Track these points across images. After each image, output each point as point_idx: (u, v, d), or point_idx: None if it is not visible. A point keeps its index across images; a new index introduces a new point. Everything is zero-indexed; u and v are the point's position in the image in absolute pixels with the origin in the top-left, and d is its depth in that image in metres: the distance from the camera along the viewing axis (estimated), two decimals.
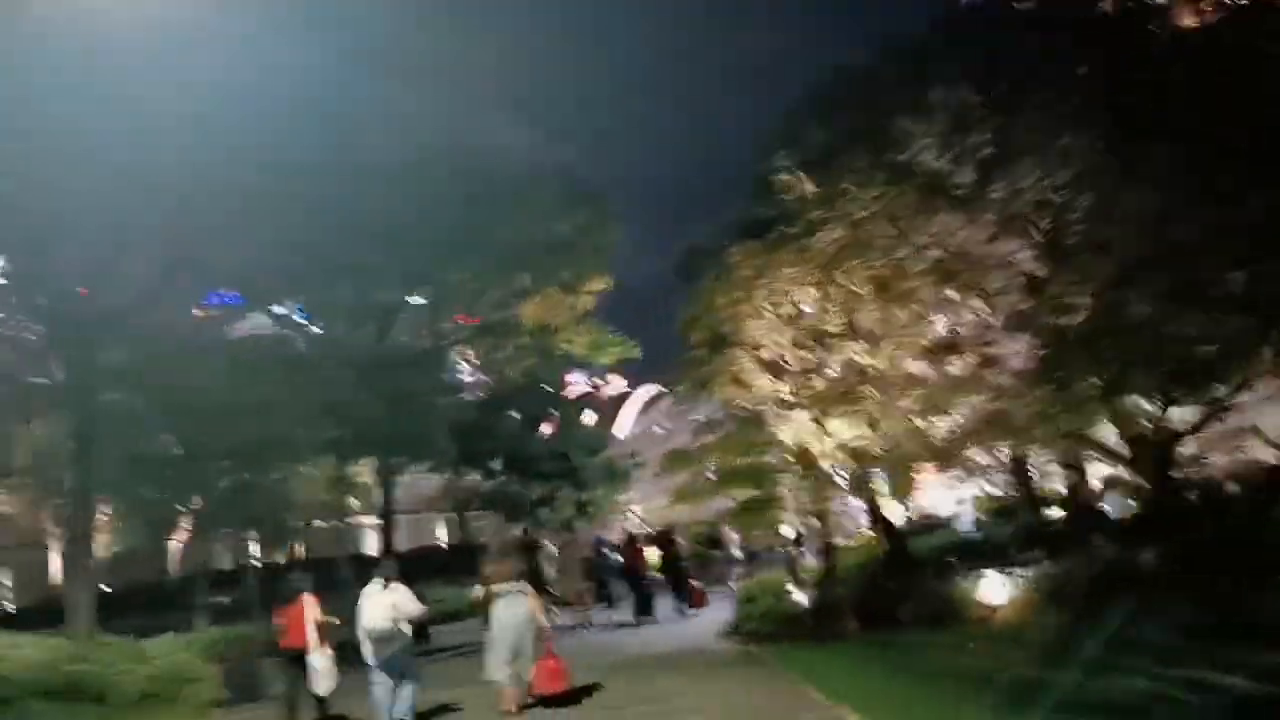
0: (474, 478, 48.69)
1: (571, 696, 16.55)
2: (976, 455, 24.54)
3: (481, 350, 52.28)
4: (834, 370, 23.77)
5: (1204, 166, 22.57)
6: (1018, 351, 23.12)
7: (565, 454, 46.84)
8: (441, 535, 63.12)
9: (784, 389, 23.98)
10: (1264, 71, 25.37)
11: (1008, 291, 23.14)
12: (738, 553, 37.86)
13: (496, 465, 46.85)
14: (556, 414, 50.55)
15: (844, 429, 24.01)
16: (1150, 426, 25.57)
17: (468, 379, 54.48)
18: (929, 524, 31.49)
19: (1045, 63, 22.61)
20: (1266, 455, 32.66)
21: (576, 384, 72.04)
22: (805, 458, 24.84)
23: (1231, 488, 30.43)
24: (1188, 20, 27.50)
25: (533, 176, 40.89)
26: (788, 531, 29.11)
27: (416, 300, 45.98)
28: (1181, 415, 26.01)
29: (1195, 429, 26.56)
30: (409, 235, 34.59)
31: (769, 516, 26.11)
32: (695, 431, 27.15)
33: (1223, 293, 22.11)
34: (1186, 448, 27.55)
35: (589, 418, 65.19)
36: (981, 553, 23.29)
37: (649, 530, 42.78)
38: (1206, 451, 29.26)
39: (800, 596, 24.14)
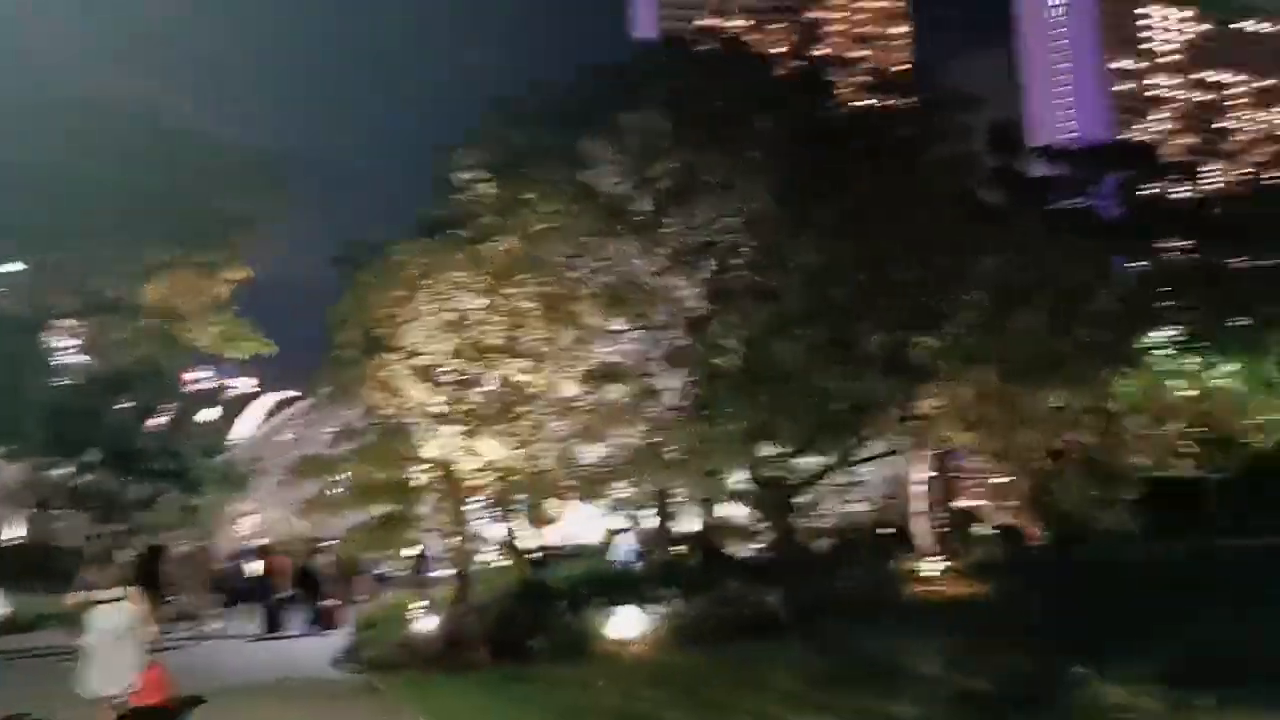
0: (65, 470, 42.59)
1: (169, 712, 14.36)
2: (624, 488, 24.40)
3: (92, 329, 46.11)
4: (492, 386, 22.66)
5: (866, 231, 24.12)
6: (675, 387, 23.33)
7: (177, 452, 42.14)
8: (15, 533, 55.03)
9: (437, 401, 22.50)
10: (920, 156, 27.79)
11: (672, 326, 23.35)
12: (373, 570, 35.62)
13: (93, 457, 41.22)
14: (172, 407, 45.56)
15: (495, 449, 22.92)
16: (781, 474, 26.80)
17: (70, 360, 47.90)
18: (576, 552, 31.04)
19: (729, 110, 23.26)
20: (870, 507, 35.70)
21: (201, 378, 65.97)
22: (450, 476, 23.44)
23: (835, 539, 32.80)
24: (857, 93, 29.67)
25: (178, 131, 36.49)
26: (420, 552, 27.55)
27: (12, 266, 39.64)
28: (809, 464, 27.48)
29: (817, 478, 28.23)
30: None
31: (405, 535, 24.41)
32: (334, 439, 24.91)
33: (866, 352, 23.59)
34: (810, 496, 29.25)
35: (210, 415, 59.76)
36: (622, 586, 22.95)
37: (274, 541, 39.30)
38: (823, 501, 31.33)
39: (429, 622, 22.60)
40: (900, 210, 24.05)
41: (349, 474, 23.97)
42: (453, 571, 24.74)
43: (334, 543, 29.12)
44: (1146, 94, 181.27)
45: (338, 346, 23.11)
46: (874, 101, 29.67)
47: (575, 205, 21.92)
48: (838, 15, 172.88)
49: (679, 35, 28.98)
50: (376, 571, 36.10)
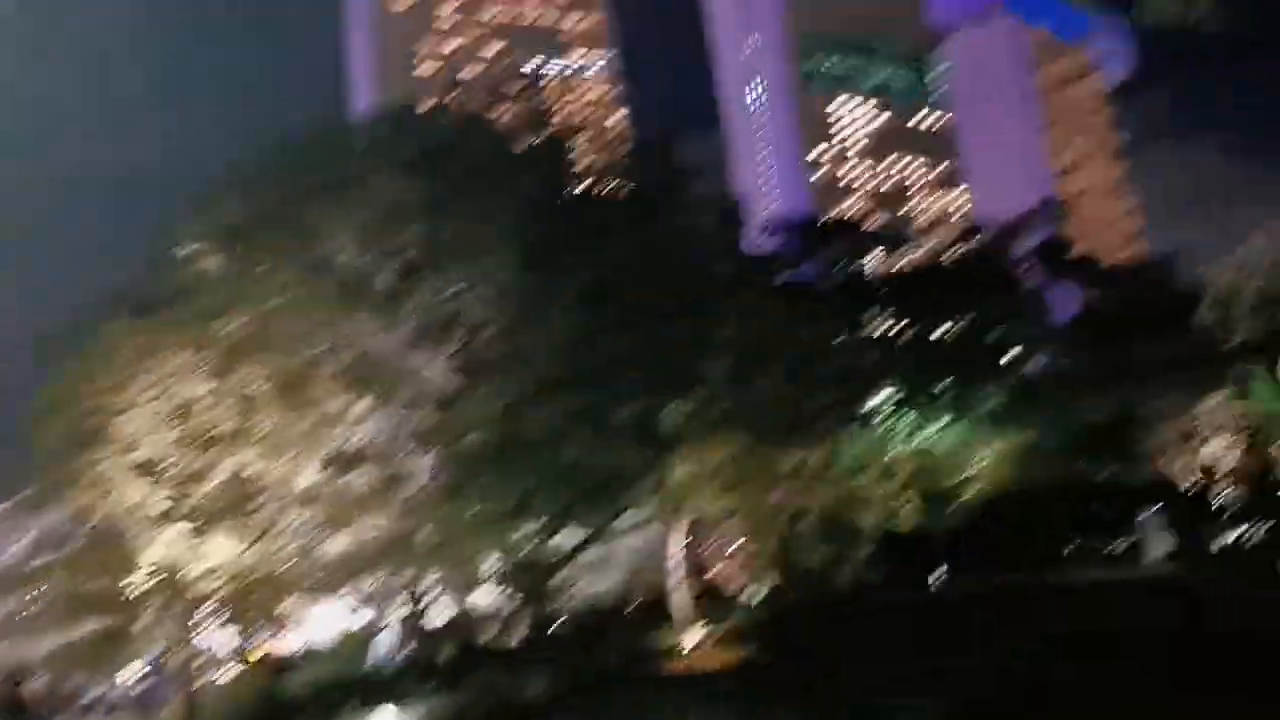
0: None
1: None
2: (373, 580, 22.90)
3: None
4: (222, 479, 20.74)
5: (612, 301, 24.11)
6: (425, 469, 22.22)
7: None
8: None
9: (159, 499, 20.34)
10: (653, 230, 28.34)
11: (420, 404, 22.28)
12: (88, 695, 31.35)
13: None
14: None
15: (226, 549, 20.94)
16: (537, 554, 26.07)
17: None
18: (323, 655, 28.63)
19: (473, 178, 22.77)
20: (627, 580, 35.44)
21: None
22: (175, 583, 21.18)
23: (593, 617, 32.27)
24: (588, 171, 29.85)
25: None
26: (143, 671, 24.64)
27: None
28: (565, 541, 26.91)
29: (574, 554, 27.68)
30: None
31: (124, 653, 21.73)
32: (33, 548, 21.98)
33: (618, 421, 23.45)
34: (566, 573, 28.60)
35: None
36: (375, 686, 21.37)
37: None
38: (580, 578, 30.75)
39: None
40: (642, 280, 24.29)
41: (54, 587, 21.20)
42: (179, 690, 22.28)
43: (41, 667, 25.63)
44: (840, 180, 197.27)
45: (41, 443, 20.50)
46: (605, 178, 30.08)
47: (310, 279, 20.62)
48: (558, 103, 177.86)
49: (410, 105, 28.27)
50: (91, 696, 31.98)
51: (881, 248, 47.87)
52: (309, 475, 21.09)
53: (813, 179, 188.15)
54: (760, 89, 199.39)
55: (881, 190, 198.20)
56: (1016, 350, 42.62)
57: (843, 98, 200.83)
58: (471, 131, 23.72)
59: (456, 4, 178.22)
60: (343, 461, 21.32)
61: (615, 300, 24.12)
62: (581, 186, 26.97)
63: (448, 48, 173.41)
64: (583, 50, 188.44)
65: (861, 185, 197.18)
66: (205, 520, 20.62)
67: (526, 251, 22.07)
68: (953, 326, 40.76)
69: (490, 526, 21.66)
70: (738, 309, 27.26)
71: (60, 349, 21.08)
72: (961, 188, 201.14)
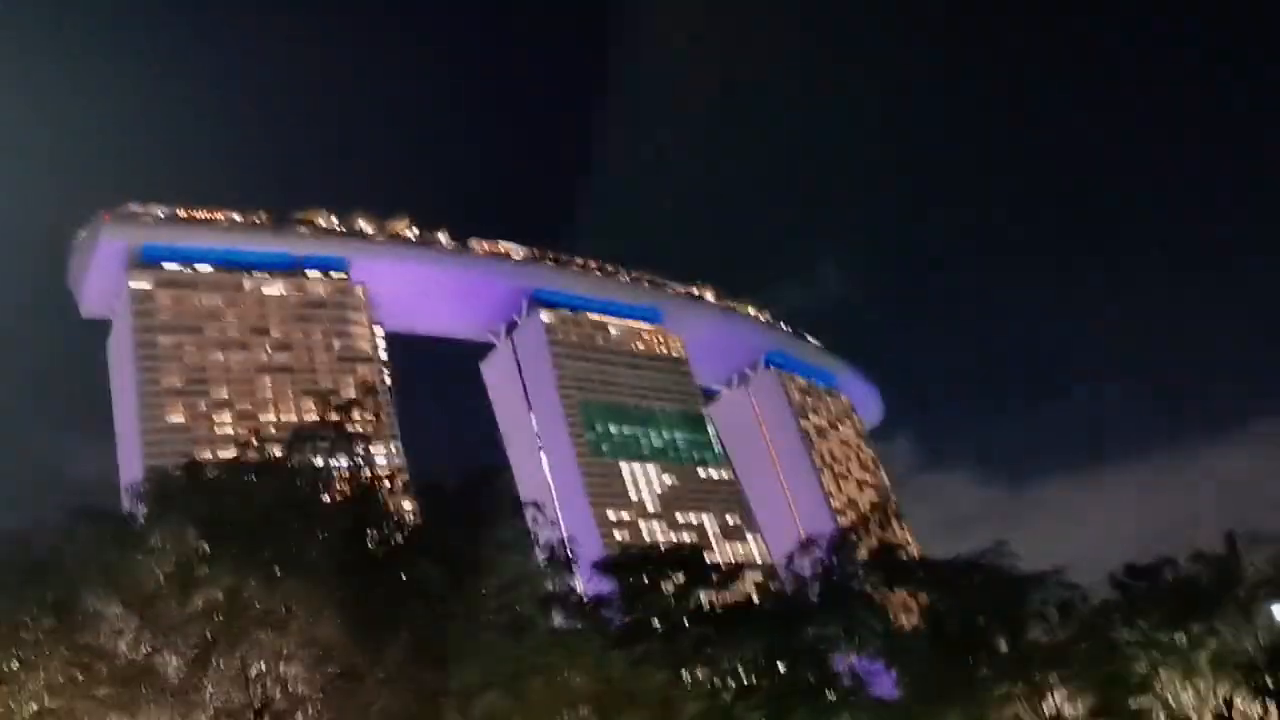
0: None
1: None
2: None
3: None
4: None
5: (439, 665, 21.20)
6: None
7: None
8: None
9: None
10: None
11: None
12: None
13: None
14: None
15: None
16: None
17: None
18: None
19: (275, 526, 20.08)
20: None
21: None
22: None
23: None
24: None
25: None
26: None
27: None
28: None
29: None
30: None
31: None
32: None
33: None
34: None
35: None
36: None
37: None
38: None
39: None
40: (463, 644, 21.76)
41: None
42: None
43: None
44: (636, 537, 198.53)
45: None
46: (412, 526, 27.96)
47: (85, 670, 16.83)
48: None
49: (195, 462, 25.61)
50: None
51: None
52: None
53: (617, 537, 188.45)
54: (548, 460, 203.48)
55: (679, 545, 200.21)
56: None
57: (631, 463, 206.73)
58: (271, 477, 21.33)
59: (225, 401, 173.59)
60: None
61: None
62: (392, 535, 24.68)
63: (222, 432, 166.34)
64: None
65: (663, 542, 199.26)
66: None
67: (347, 610, 19.20)
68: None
69: None
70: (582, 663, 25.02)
71: None
72: (751, 536, 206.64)
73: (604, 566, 44.62)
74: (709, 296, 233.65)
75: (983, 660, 40.26)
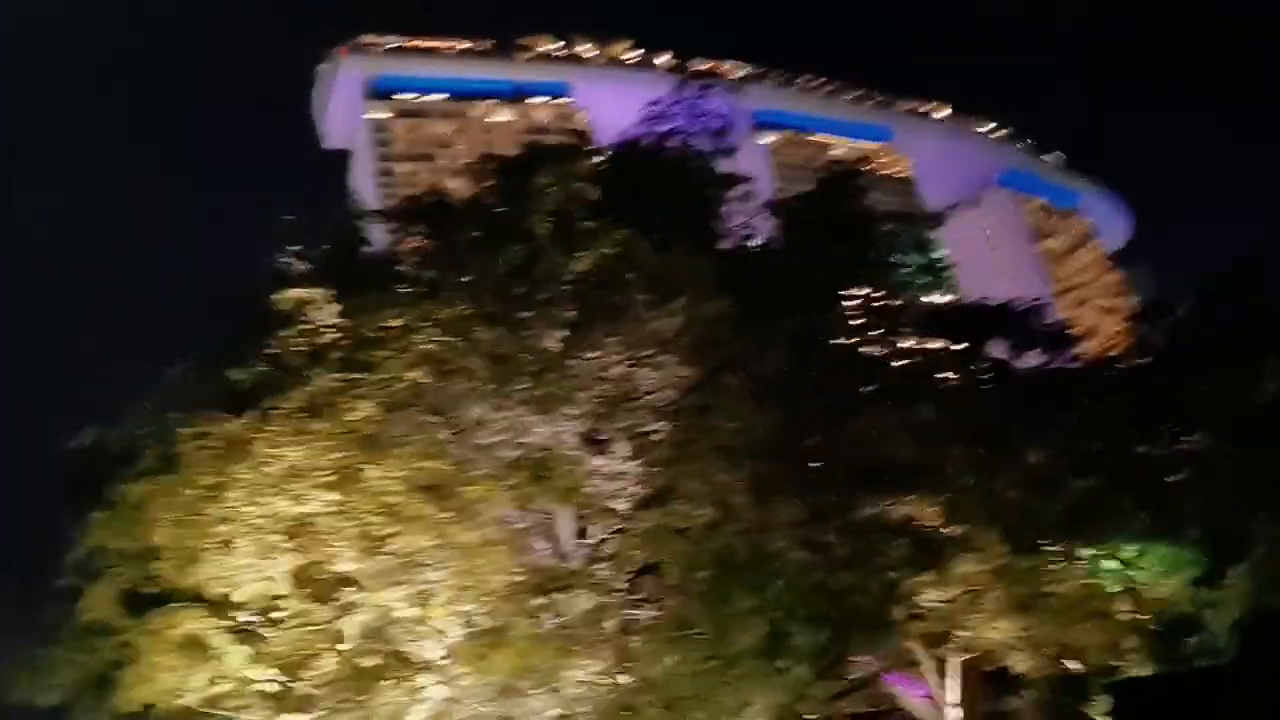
0: None
1: None
2: None
3: None
4: (352, 633, 14.24)
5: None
6: (645, 598, 15.61)
7: None
8: None
9: (264, 672, 13.80)
10: None
11: (617, 499, 15.77)
12: None
13: None
14: None
15: None
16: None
17: None
18: None
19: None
20: None
21: None
22: None
23: None
24: None
25: None
26: None
27: None
28: None
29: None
30: None
31: None
32: None
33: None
34: None
35: None
36: None
37: None
38: None
39: None
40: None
41: None
42: None
43: None
44: None
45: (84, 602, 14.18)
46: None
47: (458, 339, 14.74)
48: None
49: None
50: None
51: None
52: (478, 617, 14.46)
53: None
54: None
55: None
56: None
57: None
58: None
59: None
60: (522, 591, 14.72)
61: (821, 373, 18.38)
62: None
63: None
64: None
65: None
66: (331, 707, 13.94)
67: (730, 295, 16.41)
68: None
69: (748, 667, 14.80)
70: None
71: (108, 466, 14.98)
72: None
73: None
74: (941, 115, 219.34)
75: None
